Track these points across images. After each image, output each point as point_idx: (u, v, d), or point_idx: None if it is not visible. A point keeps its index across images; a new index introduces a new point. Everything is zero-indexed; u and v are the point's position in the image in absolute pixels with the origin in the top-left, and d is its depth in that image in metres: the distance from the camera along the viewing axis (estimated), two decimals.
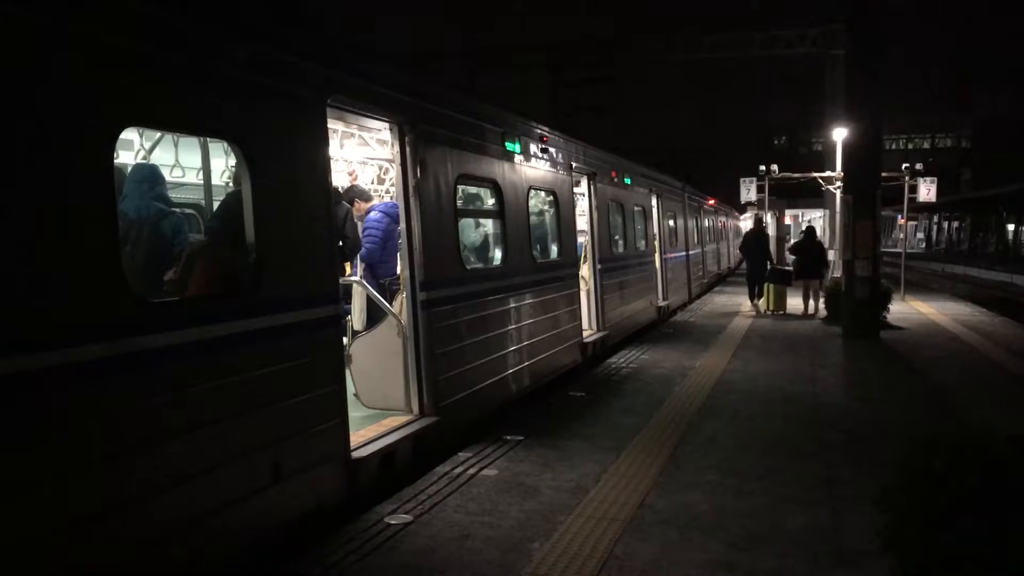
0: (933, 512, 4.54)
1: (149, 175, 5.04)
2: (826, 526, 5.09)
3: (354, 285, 7.00)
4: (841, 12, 18.48)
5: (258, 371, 4.46)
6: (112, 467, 3.51)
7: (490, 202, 8.57)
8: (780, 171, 21.29)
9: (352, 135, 7.52)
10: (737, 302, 19.89)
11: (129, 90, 3.72)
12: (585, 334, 11.07)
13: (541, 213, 10.53)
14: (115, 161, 3.80)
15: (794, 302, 17.21)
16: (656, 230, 16.59)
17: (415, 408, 6.50)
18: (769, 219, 25.51)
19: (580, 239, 11.51)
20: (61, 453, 3.30)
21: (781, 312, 17.06)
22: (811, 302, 16.61)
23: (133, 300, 3.73)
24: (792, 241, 19.11)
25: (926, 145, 68.74)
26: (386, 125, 6.45)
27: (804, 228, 19.22)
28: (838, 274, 16.33)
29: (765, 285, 17.41)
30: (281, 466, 4.60)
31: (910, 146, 67.55)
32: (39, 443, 3.22)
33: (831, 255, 20.08)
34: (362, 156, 8.21)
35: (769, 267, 17.69)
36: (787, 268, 17.76)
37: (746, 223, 57.50)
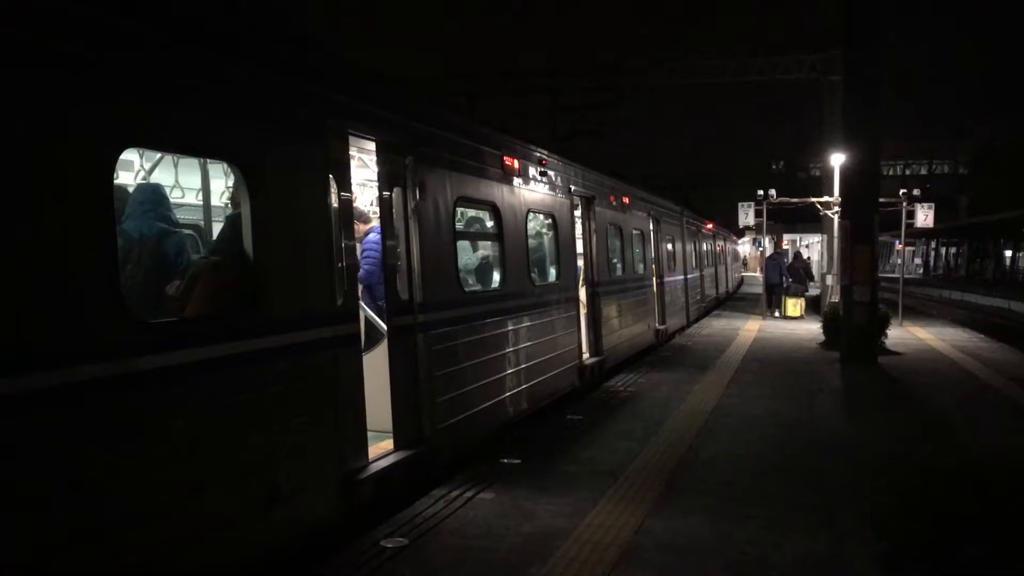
0: (932, 539, 4.53)
1: (152, 195, 5.05)
2: (825, 552, 5.05)
3: None
4: (839, 39, 18.64)
5: (255, 392, 4.44)
6: (109, 488, 3.48)
7: (489, 225, 8.59)
8: (778, 196, 21.36)
9: (351, 156, 7.53)
10: (735, 326, 19.91)
11: (127, 109, 3.73)
12: (583, 357, 11.06)
13: (539, 236, 10.55)
14: (116, 182, 3.81)
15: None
16: (654, 254, 16.62)
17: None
18: (767, 244, 25.69)
19: (579, 262, 11.52)
20: (54, 474, 3.27)
21: (792, 317, 21.54)
22: (801, 309, 21.79)
23: (133, 320, 3.72)
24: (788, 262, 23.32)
25: (923, 171, 69.06)
26: None
27: (793, 252, 25.62)
28: (836, 299, 16.38)
29: (782, 297, 22.05)
30: (278, 488, 4.57)
31: (907, 172, 67.85)
32: (33, 463, 3.19)
33: (828, 279, 20.35)
34: (361, 178, 8.23)
35: (785, 283, 22.15)
36: (800, 285, 22.16)
37: (744, 247, 57.83)
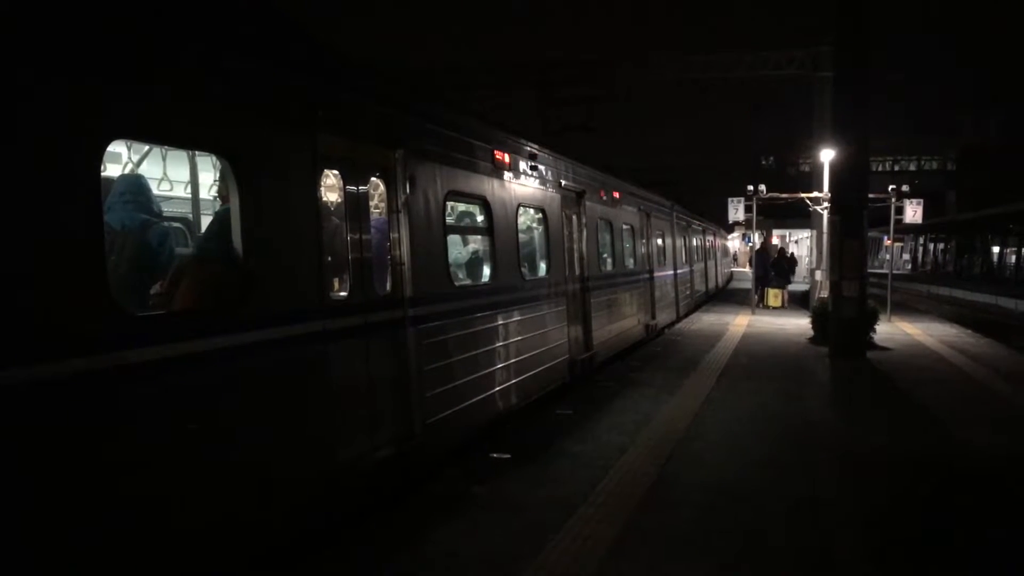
0: (923, 532, 4.55)
1: (133, 186, 5.00)
2: (815, 546, 5.07)
3: None
4: (828, 35, 18.68)
5: (244, 384, 4.42)
6: (95, 488, 3.46)
7: (479, 219, 8.57)
8: (768, 191, 21.42)
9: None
10: (725, 321, 19.98)
11: (115, 102, 3.70)
12: (573, 352, 11.04)
13: (530, 230, 10.53)
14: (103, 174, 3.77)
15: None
16: (645, 249, 16.63)
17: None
18: (757, 239, 25.81)
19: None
20: (41, 472, 3.25)
21: (775, 307, 23.35)
22: (781, 300, 23.90)
23: (123, 315, 3.69)
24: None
25: (912, 167, 69.28)
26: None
27: (778, 248, 28.81)
28: (825, 293, 16.45)
29: (765, 289, 24.10)
30: (269, 483, 4.55)
31: (896, 168, 68.06)
32: (20, 460, 3.17)
33: (818, 275, 20.44)
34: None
35: (770, 275, 24.42)
36: (782, 278, 24.57)
37: (734, 242, 57.93)
